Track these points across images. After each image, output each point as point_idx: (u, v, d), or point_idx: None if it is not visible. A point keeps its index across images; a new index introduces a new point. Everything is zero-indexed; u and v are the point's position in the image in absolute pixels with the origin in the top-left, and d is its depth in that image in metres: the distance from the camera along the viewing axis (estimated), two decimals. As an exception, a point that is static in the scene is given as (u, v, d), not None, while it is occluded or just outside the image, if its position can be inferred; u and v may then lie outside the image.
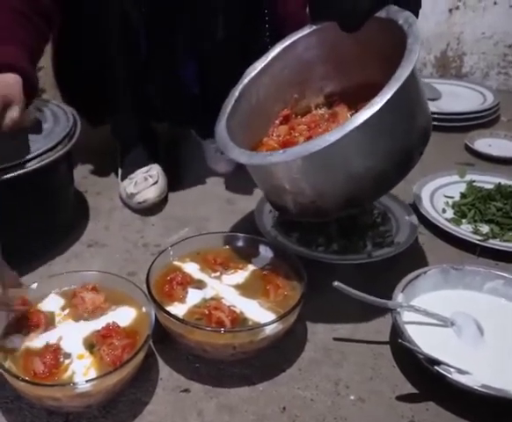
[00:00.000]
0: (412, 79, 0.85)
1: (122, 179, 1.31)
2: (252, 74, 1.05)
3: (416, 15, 0.91)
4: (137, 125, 1.35)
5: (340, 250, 1.08)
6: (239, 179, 1.34)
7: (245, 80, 1.04)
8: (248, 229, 1.09)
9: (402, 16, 0.90)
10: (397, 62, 0.84)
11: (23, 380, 0.72)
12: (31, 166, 0.99)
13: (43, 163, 1.01)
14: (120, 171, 1.35)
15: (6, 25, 0.99)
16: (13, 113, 0.93)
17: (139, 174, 1.27)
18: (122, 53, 1.21)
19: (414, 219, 1.16)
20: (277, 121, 1.07)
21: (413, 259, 1.09)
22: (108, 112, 1.32)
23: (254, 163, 0.91)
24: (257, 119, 1.05)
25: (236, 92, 1.03)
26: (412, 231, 1.12)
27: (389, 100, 0.80)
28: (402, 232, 1.12)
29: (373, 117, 0.80)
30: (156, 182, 1.26)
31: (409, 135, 0.90)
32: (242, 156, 0.91)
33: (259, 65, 1.05)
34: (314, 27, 1.02)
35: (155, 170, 1.29)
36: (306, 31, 1.04)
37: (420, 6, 0.93)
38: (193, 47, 1.25)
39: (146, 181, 1.25)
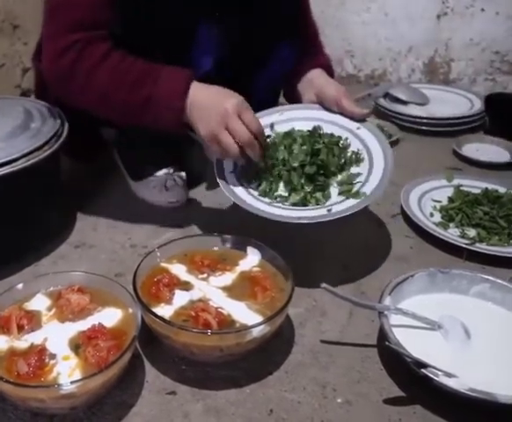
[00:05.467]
0: None
1: (135, 179, 1.29)
2: None
3: None
4: None
5: (299, 202, 1.03)
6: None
7: None
8: (236, 231, 1.09)
9: None
10: None
11: (6, 381, 0.71)
12: (18, 165, 0.99)
13: (30, 162, 1.01)
14: (129, 169, 1.32)
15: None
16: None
17: (163, 175, 1.25)
18: None
19: (390, 163, 1.05)
20: None
21: (401, 262, 1.10)
22: None
23: None
24: None
25: None
26: (383, 179, 1.03)
27: None
28: (373, 178, 1.03)
29: None
30: (184, 183, 1.26)
31: None
32: None
33: None
34: None
35: (181, 172, 1.27)
36: None
37: None
38: None
39: (176, 182, 1.24)
